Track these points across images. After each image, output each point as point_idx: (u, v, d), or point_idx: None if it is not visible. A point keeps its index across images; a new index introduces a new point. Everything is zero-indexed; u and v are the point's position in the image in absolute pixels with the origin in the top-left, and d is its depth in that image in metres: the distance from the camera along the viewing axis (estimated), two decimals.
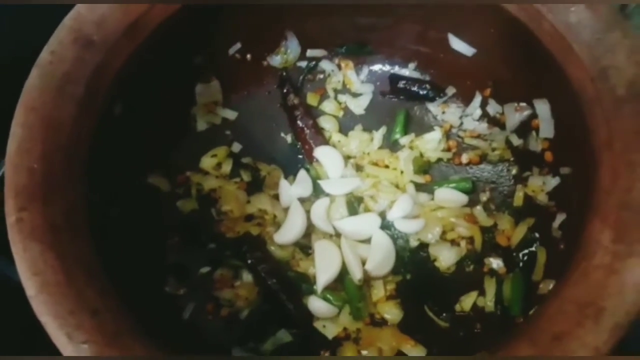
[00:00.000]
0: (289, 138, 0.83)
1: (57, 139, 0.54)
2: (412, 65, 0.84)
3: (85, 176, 0.55)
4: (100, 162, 0.59)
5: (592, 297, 0.47)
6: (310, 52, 0.84)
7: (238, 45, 0.80)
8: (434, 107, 0.83)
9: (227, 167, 0.80)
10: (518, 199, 0.74)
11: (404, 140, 0.81)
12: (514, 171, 0.77)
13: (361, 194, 0.78)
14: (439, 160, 0.81)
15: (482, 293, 0.70)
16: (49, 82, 0.56)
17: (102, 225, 0.55)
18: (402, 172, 0.78)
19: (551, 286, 0.61)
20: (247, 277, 0.73)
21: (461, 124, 0.82)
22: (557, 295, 0.49)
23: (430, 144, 0.80)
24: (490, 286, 0.70)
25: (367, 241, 0.74)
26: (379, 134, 0.82)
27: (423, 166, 0.80)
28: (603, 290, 0.46)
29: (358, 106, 0.85)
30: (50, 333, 0.46)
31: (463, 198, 0.76)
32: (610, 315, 0.45)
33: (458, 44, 0.77)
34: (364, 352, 0.68)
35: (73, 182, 0.53)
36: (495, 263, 0.72)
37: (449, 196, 0.76)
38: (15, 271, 0.49)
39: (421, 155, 0.80)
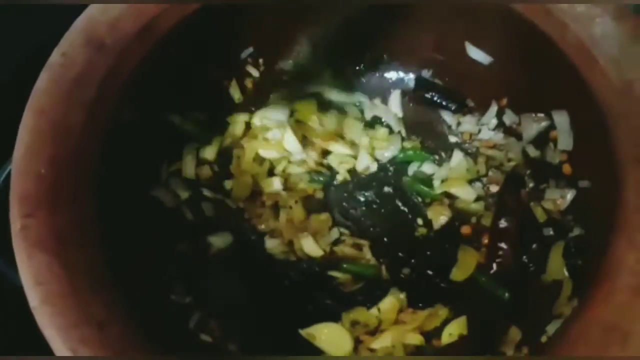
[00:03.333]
0: None
1: (67, 145, 0.52)
2: (426, 73, 0.82)
3: (95, 184, 0.53)
4: (111, 170, 0.57)
5: (617, 320, 0.45)
6: None
7: (250, 49, 0.78)
8: (448, 117, 0.81)
9: None
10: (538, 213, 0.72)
11: None
12: (530, 184, 0.75)
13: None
14: None
15: None
16: (59, 85, 0.54)
17: (112, 234, 0.53)
18: None
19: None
20: None
21: (479, 131, 0.80)
22: (580, 317, 0.47)
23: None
24: None
25: None
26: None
27: None
28: (629, 313, 0.45)
29: None
30: (54, 347, 0.44)
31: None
32: (637, 339, 0.43)
33: (475, 53, 0.75)
34: None
35: (82, 190, 0.51)
36: None
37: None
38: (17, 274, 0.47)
39: None
